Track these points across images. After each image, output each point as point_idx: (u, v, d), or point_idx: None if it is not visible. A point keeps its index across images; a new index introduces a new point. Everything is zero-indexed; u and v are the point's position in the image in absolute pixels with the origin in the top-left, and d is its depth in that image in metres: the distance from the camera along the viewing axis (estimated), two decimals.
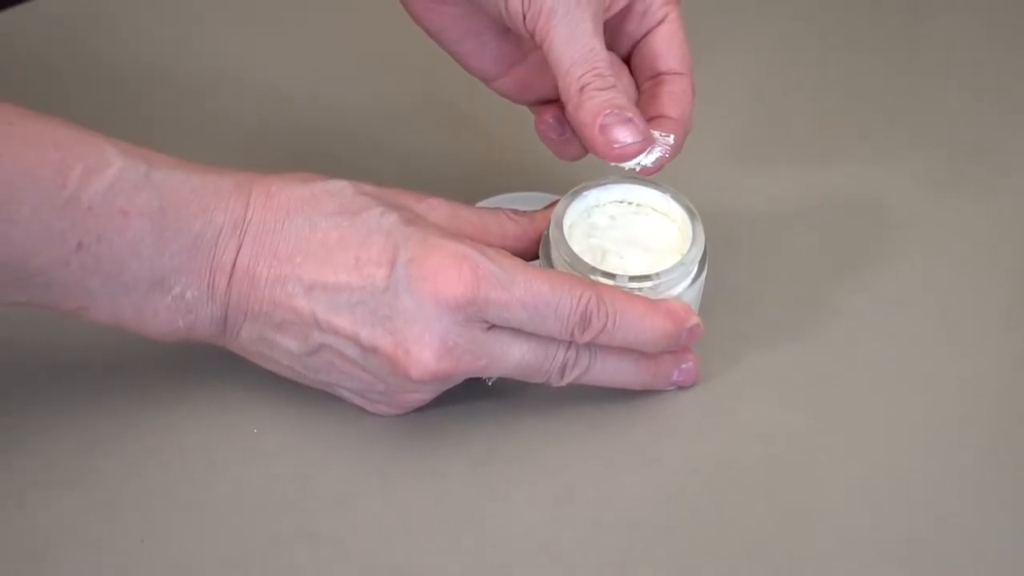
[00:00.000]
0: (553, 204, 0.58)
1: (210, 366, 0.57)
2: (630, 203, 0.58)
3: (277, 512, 0.54)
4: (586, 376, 0.55)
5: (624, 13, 0.59)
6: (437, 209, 0.56)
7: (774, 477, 0.55)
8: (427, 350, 0.52)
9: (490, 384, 0.57)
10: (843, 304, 0.63)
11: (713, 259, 0.58)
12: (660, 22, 0.59)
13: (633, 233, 0.58)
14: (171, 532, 0.53)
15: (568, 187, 0.59)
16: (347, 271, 0.52)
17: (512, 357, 0.53)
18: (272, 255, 0.52)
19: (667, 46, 0.59)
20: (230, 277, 0.52)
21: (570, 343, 0.54)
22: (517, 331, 0.53)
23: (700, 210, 0.58)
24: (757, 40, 0.82)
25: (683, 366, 0.57)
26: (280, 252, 0.52)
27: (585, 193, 0.58)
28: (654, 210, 0.58)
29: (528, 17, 0.55)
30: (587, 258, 0.56)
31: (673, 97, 0.58)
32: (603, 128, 0.54)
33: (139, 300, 0.52)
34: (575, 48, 0.55)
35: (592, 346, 0.55)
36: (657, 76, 0.58)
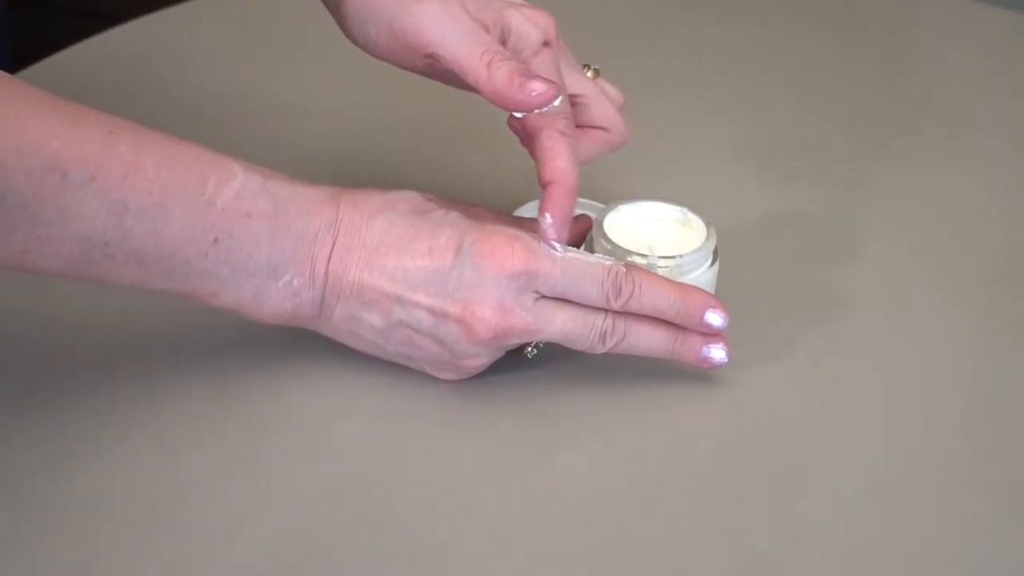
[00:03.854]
0: (578, 217, 0.68)
1: (311, 349, 0.67)
2: (656, 218, 0.69)
3: (371, 456, 0.63)
4: (623, 344, 0.64)
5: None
6: (484, 215, 0.66)
7: (768, 437, 0.65)
8: (488, 310, 0.62)
9: (530, 357, 0.66)
10: (834, 296, 0.74)
11: (723, 260, 0.68)
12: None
13: (660, 234, 0.68)
14: (293, 471, 0.61)
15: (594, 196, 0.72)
16: (422, 256, 0.62)
17: (558, 321, 0.63)
18: (361, 247, 0.63)
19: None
20: (327, 266, 0.62)
21: (607, 312, 0.63)
22: (562, 301, 0.63)
23: (715, 220, 0.68)
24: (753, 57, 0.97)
25: (714, 347, 0.65)
26: (367, 245, 0.63)
27: (619, 207, 0.69)
28: (675, 222, 0.69)
29: (417, 47, 0.65)
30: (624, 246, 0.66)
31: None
32: (520, 85, 0.63)
33: (258, 285, 0.62)
34: (466, 42, 0.64)
35: (627, 317, 0.64)
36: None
